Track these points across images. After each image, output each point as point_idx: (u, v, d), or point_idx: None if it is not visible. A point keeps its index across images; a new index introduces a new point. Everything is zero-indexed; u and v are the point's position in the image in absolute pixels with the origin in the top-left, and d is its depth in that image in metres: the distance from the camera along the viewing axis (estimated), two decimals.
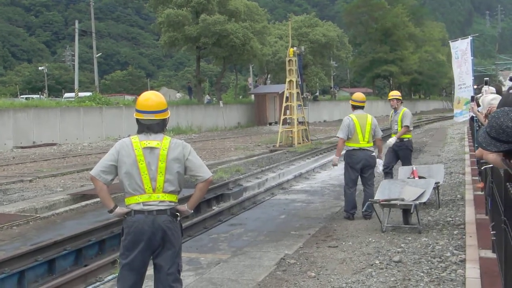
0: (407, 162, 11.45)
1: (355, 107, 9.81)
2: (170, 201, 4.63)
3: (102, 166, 4.61)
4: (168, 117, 4.76)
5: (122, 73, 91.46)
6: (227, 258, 7.55)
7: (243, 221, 10.18)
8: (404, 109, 11.58)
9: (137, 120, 4.69)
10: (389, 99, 11.89)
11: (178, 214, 4.69)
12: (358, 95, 10.11)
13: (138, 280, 4.61)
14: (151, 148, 4.59)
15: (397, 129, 11.41)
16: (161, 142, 4.63)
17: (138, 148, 4.58)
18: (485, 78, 11.27)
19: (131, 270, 4.55)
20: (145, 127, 4.65)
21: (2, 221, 10.20)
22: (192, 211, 4.91)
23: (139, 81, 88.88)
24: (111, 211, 4.67)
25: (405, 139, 11.46)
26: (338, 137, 9.71)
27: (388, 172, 11.44)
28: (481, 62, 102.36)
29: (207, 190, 4.96)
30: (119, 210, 4.66)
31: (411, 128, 11.82)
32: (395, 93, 11.94)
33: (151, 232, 4.50)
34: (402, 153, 11.53)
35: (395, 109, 11.64)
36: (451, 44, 16.06)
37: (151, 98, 4.69)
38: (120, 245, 4.71)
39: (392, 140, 11.42)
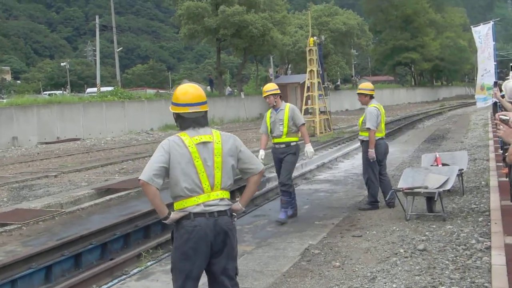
0: (289, 168, 9.29)
1: (371, 97, 9.75)
2: (228, 199, 4.26)
3: (153, 169, 4.09)
4: None
5: (143, 67, 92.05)
6: (251, 250, 7.59)
7: (266, 212, 10.20)
8: (288, 105, 9.32)
9: (180, 115, 4.28)
10: (265, 96, 9.33)
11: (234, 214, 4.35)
12: (369, 84, 9.96)
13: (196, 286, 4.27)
14: (204, 143, 4.20)
15: (282, 131, 9.17)
16: (212, 135, 4.26)
17: (191, 145, 4.16)
18: (511, 64, 11.12)
19: (192, 280, 4.18)
20: (191, 122, 4.25)
21: (29, 216, 10.33)
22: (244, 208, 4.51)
23: (160, 75, 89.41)
24: (165, 218, 4.16)
25: (292, 143, 9.28)
26: (369, 129, 9.43)
27: (290, 185, 9.37)
28: (503, 47, 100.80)
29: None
30: (175, 215, 4.16)
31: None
32: (271, 87, 9.35)
33: (213, 236, 4.12)
34: (289, 159, 9.25)
35: (274, 107, 9.29)
36: (473, 29, 15.85)
37: (190, 91, 4.29)
38: (173, 250, 4.26)
39: (309, 149, 9.51)
